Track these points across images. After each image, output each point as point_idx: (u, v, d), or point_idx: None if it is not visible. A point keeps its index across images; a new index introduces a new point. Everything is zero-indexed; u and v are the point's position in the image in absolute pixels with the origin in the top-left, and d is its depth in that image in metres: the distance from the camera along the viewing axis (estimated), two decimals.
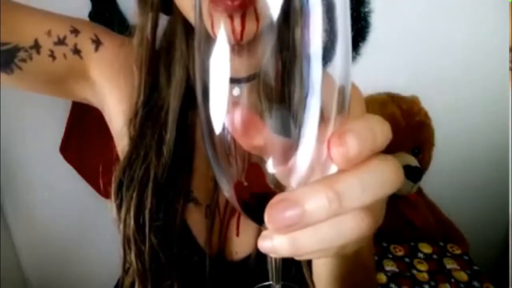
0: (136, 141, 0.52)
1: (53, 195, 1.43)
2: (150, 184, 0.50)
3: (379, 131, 0.21)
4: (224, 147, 0.22)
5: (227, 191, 0.25)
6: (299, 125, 0.21)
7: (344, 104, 0.22)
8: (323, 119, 0.21)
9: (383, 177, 0.21)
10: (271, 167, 0.23)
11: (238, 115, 0.21)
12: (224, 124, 0.22)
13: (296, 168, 0.22)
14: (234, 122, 0.21)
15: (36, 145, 1.36)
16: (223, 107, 0.22)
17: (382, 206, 0.24)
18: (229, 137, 0.22)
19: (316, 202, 0.20)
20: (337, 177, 0.20)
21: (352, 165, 0.20)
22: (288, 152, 0.22)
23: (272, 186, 0.23)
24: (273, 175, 0.23)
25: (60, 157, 1.30)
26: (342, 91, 0.22)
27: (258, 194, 0.24)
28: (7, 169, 1.38)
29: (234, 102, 0.21)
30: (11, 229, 1.47)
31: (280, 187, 0.24)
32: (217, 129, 0.22)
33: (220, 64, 0.21)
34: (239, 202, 0.25)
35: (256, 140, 0.22)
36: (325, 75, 0.21)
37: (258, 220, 0.23)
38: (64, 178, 1.36)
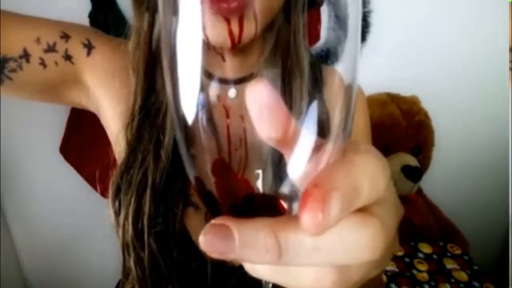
0: (134, 145, 0.51)
1: (53, 195, 1.42)
2: (148, 189, 0.49)
3: (370, 183, 0.18)
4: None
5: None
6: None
7: (350, 105, 0.19)
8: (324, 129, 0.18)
9: (354, 244, 0.17)
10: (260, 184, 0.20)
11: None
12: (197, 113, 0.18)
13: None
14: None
15: (36, 145, 1.36)
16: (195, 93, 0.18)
17: (364, 268, 0.20)
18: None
19: (251, 245, 0.17)
20: (289, 227, 0.17)
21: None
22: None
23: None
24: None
25: (60, 157, 1.30)
26: (349, 91, 0.19)
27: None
28: (7, 170, 1.37)
29: None
30: (11, 229, 1.46)
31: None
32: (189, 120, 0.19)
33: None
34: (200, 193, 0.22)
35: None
36: (332, 73, 0.19)
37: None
38: (64, 178, 1.36)
